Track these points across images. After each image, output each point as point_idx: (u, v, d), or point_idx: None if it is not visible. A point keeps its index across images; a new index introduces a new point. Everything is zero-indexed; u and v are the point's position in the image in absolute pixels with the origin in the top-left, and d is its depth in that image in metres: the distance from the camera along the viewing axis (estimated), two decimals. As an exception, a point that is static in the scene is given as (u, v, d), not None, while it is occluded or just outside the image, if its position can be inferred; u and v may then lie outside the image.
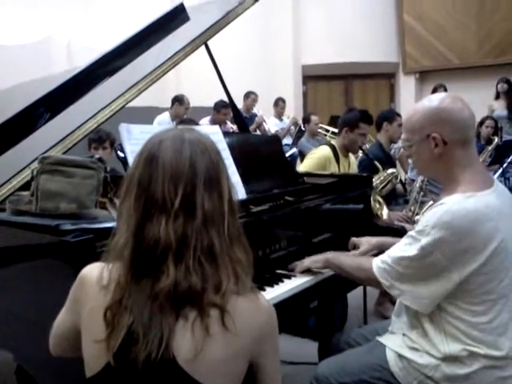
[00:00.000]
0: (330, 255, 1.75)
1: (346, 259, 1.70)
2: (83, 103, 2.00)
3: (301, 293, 1.70)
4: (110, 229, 1.05)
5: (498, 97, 6.22)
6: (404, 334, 1.50)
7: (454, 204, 1.36)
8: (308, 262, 1.77)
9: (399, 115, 3.87)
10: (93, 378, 0.95)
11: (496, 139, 4.71)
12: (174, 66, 2.09)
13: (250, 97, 6.51)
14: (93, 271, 0.99)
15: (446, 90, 6.43)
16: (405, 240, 1.45)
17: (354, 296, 2.96)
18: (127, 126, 1.72)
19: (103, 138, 3.38)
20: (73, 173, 1.48)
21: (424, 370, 1.41)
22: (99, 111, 1.85)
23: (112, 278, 0.94)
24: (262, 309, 0.98)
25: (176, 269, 0.91)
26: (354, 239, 2.03)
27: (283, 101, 6.94)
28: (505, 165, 3.78)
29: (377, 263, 1.49)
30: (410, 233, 1.44)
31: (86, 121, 1.82)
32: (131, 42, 2.30)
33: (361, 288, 3.20)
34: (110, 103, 1.88)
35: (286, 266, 1.81)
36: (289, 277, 1.76)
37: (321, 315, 2.45)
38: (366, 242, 1.98)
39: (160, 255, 0.92)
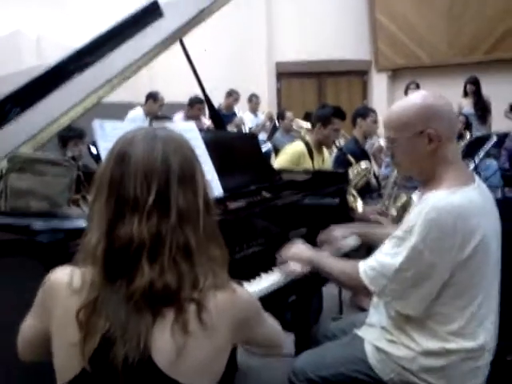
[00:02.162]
0: (313, 256, 1.68)
1: (331, 264, 1.62)
2: (55, 99, 1.95)
3: (279, 288, 1.71)
4: (82, 228, 1.03)
5: (466, 94, 6.36)
6: (382, 327, 1.51)
7: (440, 200, 1.35)
8: (290, 256, 1.73)
9: (373, 111, 3.91)
10: None
11: (468, 134, 4.81)
12: (148, 63, 2.07)
13: (233, 95, 6.53)
14: (61, 275, 0.95)
15: (418, 87, 6.53)
16: (391, 242, 1.42)
17: (329, 286, 2.98)
18: (100, 122, 1.69)
19: (74, 134, 3.35)
20: (44, 171, 1.45)
21: (401, 362, 1.43)
22: (72, 107, 1.82)
23: (85, 281, 0.91)
24: (240, 299, 0.97)
25: (150, 268, 0.89)
26: (322, 236, 2.00)
27: (256, 97, 6.97)
28: (477, 161, 3.85)
29: (365, 270, 1.45)
30: (396, 233, 1.41)
31: (58, 117, 1.79)
32: (104, 38, 2.26)
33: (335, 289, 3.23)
34: (82, 99, 1.85)
35: (263, 261, 1.80)
36: (266, 271, 1.76)
37: (297, 308, 2.46)
38: (338, 232, 1.96)
39: (134, 254, 0.89)
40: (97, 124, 1.67)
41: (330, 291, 3.14)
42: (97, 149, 1.68)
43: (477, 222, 1.35)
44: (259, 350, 1.18)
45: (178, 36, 2.21)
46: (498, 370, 1.54)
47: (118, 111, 4.76)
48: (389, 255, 1.40)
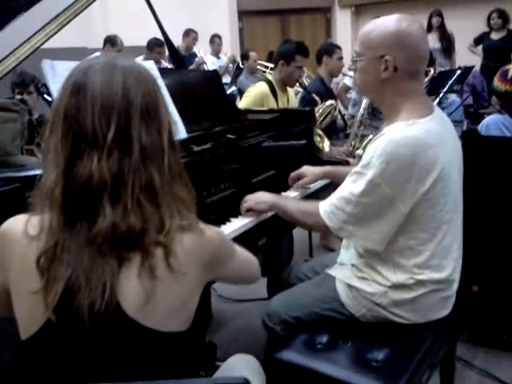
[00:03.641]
0: (275, 199, 1.68)
1: (291, 204, 1.63)
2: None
3: (249, 231, 1.68)
4: (40, 176, 0.96)
5: (429, 30, 6.28)
6: (353, 265, 1.51)
7: (396, 133, 1.33)
8: (252, 202, 1.70)
9: (339, 48, 3.81)
10: (31, 338, 0.86)
11: (431, 71, 4.77)
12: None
13: (191, 35, 6.25)
14: (15, 224, 0.88)
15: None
16: (350, 178, 1.41)
17: (299, 230, 3.01)
18: (51, 62, 1.55)
19: (27, 81, 3.16)
20: (-8, 116, 1.34)
21: (373, 298, 1.44)
22: (18, 47, 1.67)
23: (43, 227, 0.85)
24: (209, 239, 0.93)
25: (113, 209, 0.83)
26: (294, 173, 1.99)
27: (219, 37, 6.70)
28: (441, 95, 3.86)
29: (324, 207, 1.44)
30: (355, 169, 1.40)
31: (3, 59, 1.65)
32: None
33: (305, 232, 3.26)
34: (29, 38, 1.70)
35: (232, 205, 1.76)
36: (236, 216, 1.72)
37: (268, 251, 2.46)
38: (310, 172, 1.96)
39: (94, 195, 0.83)
40: (46, 64, 1.54)
41: (299, 235, 3.17)
42: (49, 92, 1.56)
43: (435, 154, 1.33)
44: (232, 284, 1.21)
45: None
46: (463, 301, 1.59)
47: (72, 58, 4.50)
48: (347, 190, 1.40)
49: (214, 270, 0.97)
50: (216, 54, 6.70)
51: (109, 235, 0.82)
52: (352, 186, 1.38)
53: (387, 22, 1.40)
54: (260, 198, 1.70)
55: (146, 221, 0.85)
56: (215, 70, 2.76)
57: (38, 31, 1.73)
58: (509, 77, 2.27)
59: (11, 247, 0.88)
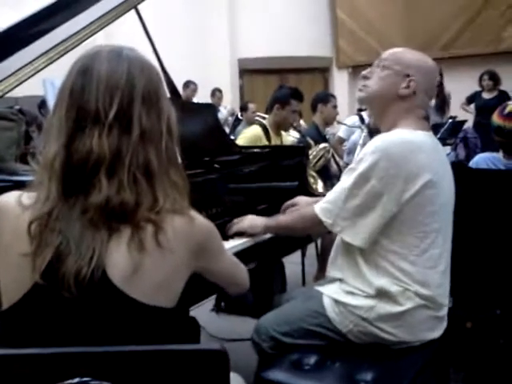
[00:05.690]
0: (267, 221, 1.71)
1: (284, 217, 1.71)
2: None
3: (237, 254, 1.67)
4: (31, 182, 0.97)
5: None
6: (340, 280, 1.51)
7: (392, 134, 1.43)
8: (246, 225, 1.72)
9: (334, 97, 3.95)
10: (17, 303, 0.86)
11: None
12: (103, 27, 2.01)
13: (190, 87, 6.46)
14: (7, 198, 0.91)
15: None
16: (344, 175, 1.47)
17: (292, 274, 2.99)
18: (51, 80, 1.62)
19: (29, 121, 3.24)
20: (-11, 123, 1.38)
21: (359, 312, 1.42)
22: (21, 68, 1.74)
23: (39, 197, 0.87)
24: (199, 226, 0.94)
25: (109, 184, 0.86)
26: (288, 203, 2.00)
27: (220, 91, 6.93)
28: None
29: (319, 205, 1.49)
30: (350, 166, 1.46)
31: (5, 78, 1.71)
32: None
33: (299, 267, 3.23)
34: (31, 61, 1.77)
35: (222, 229, 1.76)
36: (226, 239, 1.72)
37: (258, 277, 2.41)
38: (305, 202, 1.96)
39: (92, 169, 0.86)
40: (47, 82, 1.61)
41: (293, 280, 3.13)
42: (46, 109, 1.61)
43: (427, 158, 1.40)
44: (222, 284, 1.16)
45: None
46: (458, 338, 1.56)
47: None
48: (340, 186, 1.45)
49: (201, 258, 0.97)
50: (216, 106, 6.89)
51: (102, 207, 0.85)
52: (345, 180, 1.44)
53: (417, 53, 1.54)
54: (253, 222, 1.72)
55: (140, 197, 0.87)
56: (210, 104, 2.84)
57: (41, 55, 1.80)
58: (505, 112, 2.26)
59: (3, 219, 0.89)
